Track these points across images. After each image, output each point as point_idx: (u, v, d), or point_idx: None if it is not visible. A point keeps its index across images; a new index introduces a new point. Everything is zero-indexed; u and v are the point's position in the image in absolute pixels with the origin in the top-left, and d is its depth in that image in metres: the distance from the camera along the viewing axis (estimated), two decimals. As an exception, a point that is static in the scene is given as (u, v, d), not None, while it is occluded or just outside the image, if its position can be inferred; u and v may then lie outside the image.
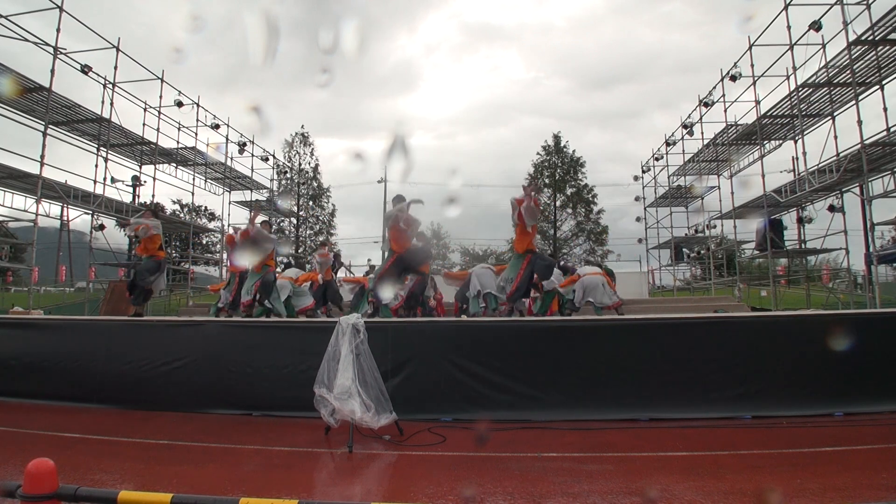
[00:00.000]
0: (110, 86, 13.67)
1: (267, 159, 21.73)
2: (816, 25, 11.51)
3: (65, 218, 16.58)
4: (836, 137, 12.05)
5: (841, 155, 11.28)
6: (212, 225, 28.13)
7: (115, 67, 13.65)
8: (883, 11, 9.46)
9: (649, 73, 60.09)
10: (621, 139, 58.12)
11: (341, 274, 12.21)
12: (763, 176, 14.18)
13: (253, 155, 20.31)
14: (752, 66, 14.16)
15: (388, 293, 7.71)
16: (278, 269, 9.43)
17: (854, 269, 15.68)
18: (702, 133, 17.48)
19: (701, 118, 17.35)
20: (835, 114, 12.70)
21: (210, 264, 25.71)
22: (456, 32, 68.43)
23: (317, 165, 33.53)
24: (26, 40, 11.16)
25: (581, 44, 63.82)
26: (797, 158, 14.23)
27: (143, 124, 15.50)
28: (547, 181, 32.59)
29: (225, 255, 21.04)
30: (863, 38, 9.97)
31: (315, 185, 33.17)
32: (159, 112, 15.86)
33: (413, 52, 69.44)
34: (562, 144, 32.97)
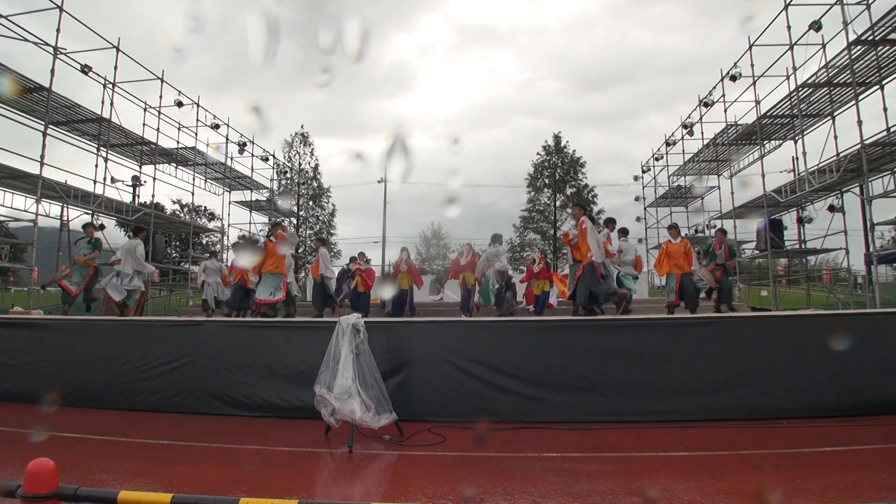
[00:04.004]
0: (110, 86, 13.67)
1: (267, 159, 21.74)
2: (816, 25, 11.51)
3: (65, 218, 16.57)
4: (836, 137, 12.07)
5: (841, 155, 11.28)
6: (212, 225, 28.14)
7: (115, 67, 13.65)
8: (883, 11, 9.46)
9: (644, 74, 60.14)
10: (617, 140, 58.14)
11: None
12: (763, 176, 14.19)
13: (253, 155, 20.32)
14: (752, 66, 14.18)
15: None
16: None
17: (854, 269, 15.69)
18: (702, 133, 17.49)
19: (701, 118, 17.36)
20: (835, 114, 12.70)
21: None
22: (450, 34, 68.30)
23: (317, 165, 33.57)
24: (26, 40, 11.15)
25: (575, 45, 63.82)
26: (797, 158, 14.25)
27: (143, 124, 15.51)
28: (547, 181, 32.62)
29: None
30: (863, 38, 9.97)
31: (315, 185, 33.20)
32: (159, 112, 15.86)
33: (408, 53, 69.37)
34: (562, 144, 33.00)
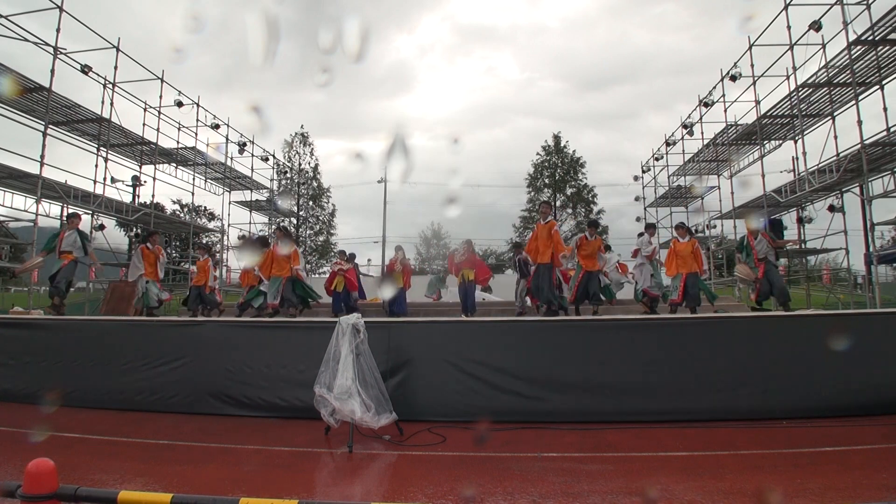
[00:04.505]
0: (110, 86, 13.68)
1: (267, 159, 21.74)
2: (816, 25, 11.51)
3: (65, 218, 16.60)
4: (836, 137, 12.08)
5: (841, 155, 11.29)
6: (212, 225, 28.17)
7: (115, 67, 13.66)
8: (883, 11, 9.47)
9: (643, 74, 59.98)
10: (617, 140, 57.98)
11: None
12: (763, 176, 14.21)
13: (253, 155, 20.31)
14: (752, 66, 14.18)
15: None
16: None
17: (854, 269, 15.69)
18: (702, 133, 17.49)
19: (701, 118, 17.36)
20: (835, 114, 12.70)
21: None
22: (450, 34, 68.14)
23: (316, 165, 33.61)
24: (26, 40, 11.16)
25: (575, 45, 63.66)
26: (797, 158, 14.24)
27: (143, 124, 15.51)
28: (547, 181, 32.64)
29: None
30: (863, 38, 9.97)
31: (315, 185, 33.22)
32: (159, 112, 15.86)
33: (408, 53, 69.28)
34: (562, 144, 33.01)
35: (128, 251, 17.87)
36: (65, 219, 9.04)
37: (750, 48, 13.98)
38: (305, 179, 32.41)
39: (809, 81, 11.79)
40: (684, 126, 18.36)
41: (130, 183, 16.69)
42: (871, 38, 9.91)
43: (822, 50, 11.60)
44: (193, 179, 18.37)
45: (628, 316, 7.08)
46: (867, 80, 11.22)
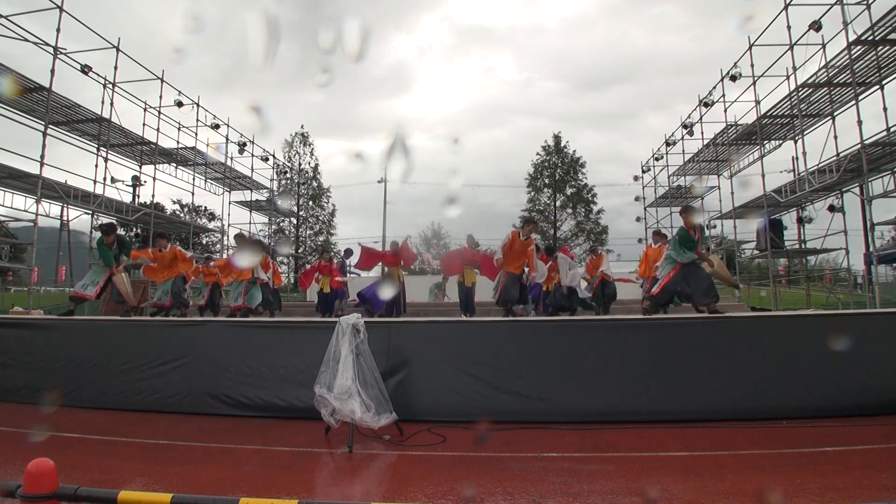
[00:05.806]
0: (110, 86, 13.68)
1: (267, 159, 21.74)
2: (816, 25, 11.52)
3: (65, 218, 16.61)
4: (836, 137, 12.08)
5: (841, 155, 11.29)
6: (212, 225, 28.16)
7: (115, 67, 13.68)
8: (883, 11, 9.47)
9: (643, 74, 60.20)
10: (616, 140, 58.17)
11: None
12: (763, 176, 14.20)
13: (253, 155, 20.32)
14: (752, 66, 14.18)
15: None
16: None
17: (854, 269, 15.70)
18: (702, 133, 17.49)
19: (701, 118, 17.36)
20: (835, 114, 12.71)
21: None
22: (448, 34, 68.22)
23: (317, 165, 33.60)
24: (26, 40, 11.16)
25: (574, 45, 63.90)
26: (797, 158, 14.26)
27: (143, 124, 15.52)
28: (547, 181, 32.62)
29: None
30: (863, 38, 9.97)
31: (315, 185, 33.21)
32: (159, 112, 15.87)
33: (407, 53, 69.41)
34: (562, 144, 33.00)
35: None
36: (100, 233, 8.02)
37: (750, 48, 13.98)
38: (305, 179, 32.41)
39: (809, 81, 11.79)
40: (684, 126, 18.37)
41: (130, 183, 16.71)
42: (871, 38, 9.91)
43: (822, 50, 11.61)
44: (193, 179, 18.39)
45: (628, 316, 7.08)
46: (867, 80, 11.22)
